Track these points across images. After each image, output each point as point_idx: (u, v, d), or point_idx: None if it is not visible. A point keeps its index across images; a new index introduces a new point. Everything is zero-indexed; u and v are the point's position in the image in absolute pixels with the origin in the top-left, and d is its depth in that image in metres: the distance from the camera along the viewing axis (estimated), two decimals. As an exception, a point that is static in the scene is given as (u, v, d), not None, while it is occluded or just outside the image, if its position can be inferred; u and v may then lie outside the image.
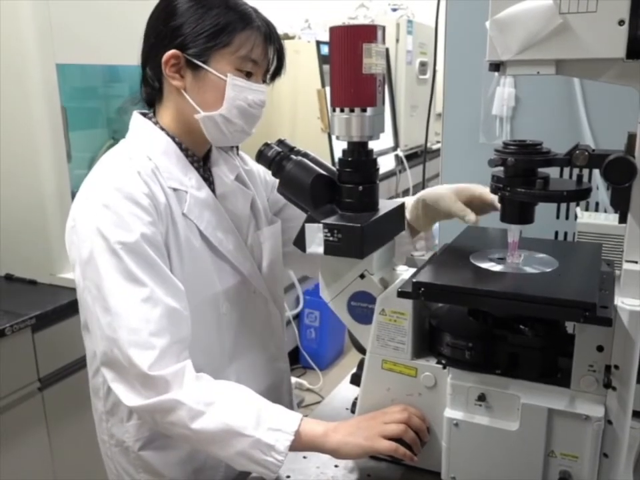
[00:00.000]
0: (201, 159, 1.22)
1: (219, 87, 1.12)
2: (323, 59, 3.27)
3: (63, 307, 1.83)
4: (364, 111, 1.00)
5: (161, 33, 1.13)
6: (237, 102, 1.13)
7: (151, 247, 1.04)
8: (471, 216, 1.17)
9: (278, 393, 1.36)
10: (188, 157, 1.19)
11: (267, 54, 1.16)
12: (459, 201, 1.20)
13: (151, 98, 1.20)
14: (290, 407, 1.40)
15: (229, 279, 1.21)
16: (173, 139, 1.18)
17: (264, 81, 1.19)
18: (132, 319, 1.01)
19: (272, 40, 1.16)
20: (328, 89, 1.05)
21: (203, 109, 1.13)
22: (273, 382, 1.33)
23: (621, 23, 0.81)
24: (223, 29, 1.10)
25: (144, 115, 1.20)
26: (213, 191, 1.22)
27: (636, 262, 0.90)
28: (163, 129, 1.18)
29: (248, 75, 1.14)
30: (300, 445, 1.02)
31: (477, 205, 1.20)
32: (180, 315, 1.06)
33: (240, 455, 1.00)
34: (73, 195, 1.98)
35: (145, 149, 1.14)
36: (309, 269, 1.38)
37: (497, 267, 1.02)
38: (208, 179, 1.23)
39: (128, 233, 1.03)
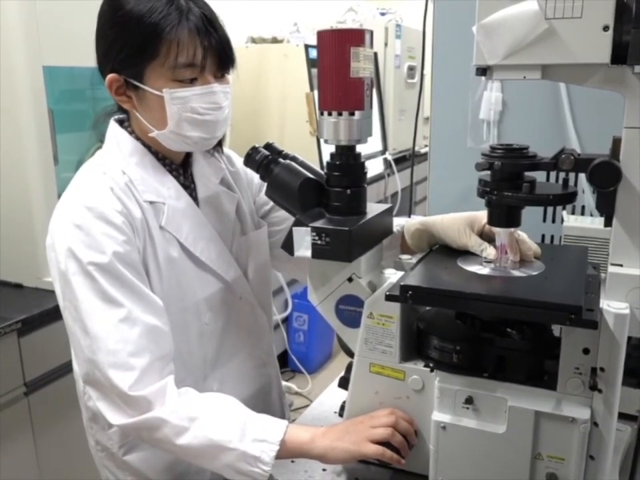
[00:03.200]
0: (179, 166, 1.19)
1: (160, 104, 1.07)
2: (311, 63, 3.28)
3: (49, 310, 1.81)
4: (352, 114, 1.01)
5: (99, 58, 1.11)
6: (184, 115, 1.07)
7: (125, 266, 1.03)
8: (490, 250, 1.05)
9: (267, 398, 1.35)
10: (166, 166, 1.16)
11: (201, 48, 1.05)
12: (474, 234, 1.10)
13: (122, 110, 1.17)
14: (281, 411, 1.40)
15: (212, 287, 1.19)
16: (149, 148, 1.15)
17: (221, 76, 1.11)
18: (110, 341, 1.00)
19: (202, 30, 1.05)
20: (316, 92, 1.04)
21: (154, 127, 1.10)
22: (261, 387, 1.32)
23: (606, 28, 0.82)
24: (144, 41, 1.03)
25: (121, 122, 1.17)
26: (196, 197, 1.20)
27: (621, 265, 0.91)
28: (138, 138, 1.15)
29: (192, 81, 1.07)
30: (287, 452, 1.01)
31: (488, 235, 1.10)
32: (160, 332, 1.05)
33: (227, 467, 1.00)
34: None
35: (120, 162, 1.12)
36: (297, 272, 1.36)
37: (484, 270, 1.02)
38: (189, 186, 1.20)
39: (100, 254, 1.01)
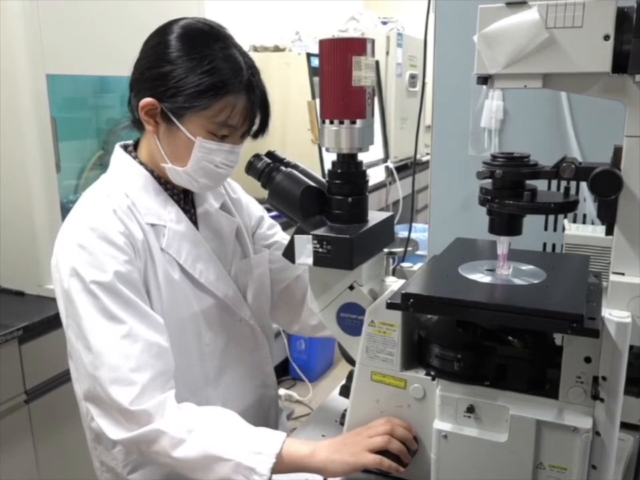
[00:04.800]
0: (181, 192, 1.21)
1: (187, 145, 1.10)
2: (313, 71, 3.29)
3: (50, 318, 1.81)
4: (353, 123, 1.01)
5: (144, 73, 1.11)
6: (203, 163, 1.11)
7: (126, 285, 1.05)
8: None
9: (265, 420, 1.36)
10: (167, 190, 1.19)
11: (248, 119, 1.12)
12: None
13: (137, 125, 1.18)
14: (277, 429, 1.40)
15: (212, 309, 1.21)
16: (152, 172, 1.18)
17: (244, 136, 1.16)
18: (112, 357, 1.02)
19: (257, 105, 1.12)
20: (318, 100, 1.06)
21: (171, 160, 1.13)
22: (260, 407, 1.34)
23: (607, 38, 0.82)
24: (204, 92, 1.06)
25: (125, 147, 1.20)
26: (196, 221, 1.23)
27: (623, 273, 0.91)
28: (142, 163, 1.18)
29: (223, 137, 1.11)
30: (284, 466, 1.01)
31: None
32: (161, 349, 1.06)
33: None
34: (62, 206, 1.97)
35: (123, 185, 1.14)
36: (289, 319, 1.41)
37: (485, 279, 1.02)
38: (189, 210, 1.23)
39: (102, 273, 1.04)
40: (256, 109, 1.13)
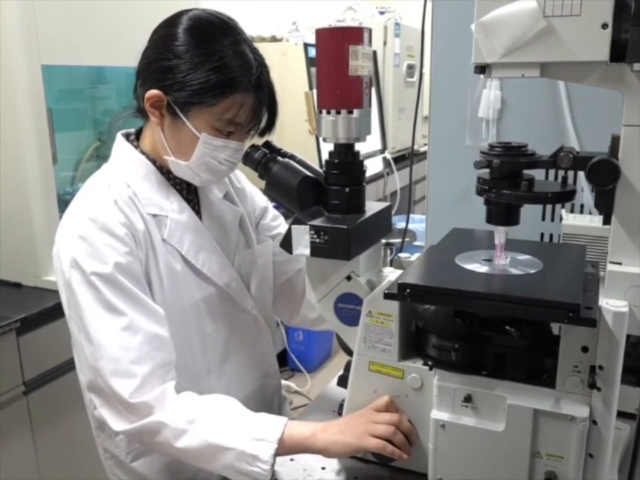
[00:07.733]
0: (184, 181, 1.20)
1: (192, 140, 1.09)
2: (310, 61, 3.27)
3: (48, 310, 1.81)
4: (350, 112, 1.00)
5: (152, 64, 1.09)
6: (207, 159, 1.11)
7: (126, 277, 1.05)
8: None
9: (268, 409, 1.36)
10: (169, 180, 1.18)
11: (255, 117, 1.12)
12: None
13: (141, 113, 1.17)
14: None
15: (214, 300, 1.21)
16: (154, 162, 1.17)
17: (249, 133, 1.15)
18: (112, 349, 1.02)
19: (265, 104, 1.12)
20: (315, 91, 1.05)
21: (174, 154, 1.12)
22: (263, 397, 1.34)
23: (605, 26, 0.82)
24: (211, 89, 1.04)
25: (127, 136, 1.19)
26: (199, 211, 1.22)
27: (620, 263, 0.91)
28: (143, 153, 1.17)
29: (228, 133, 1.11)
30: (287, 449, 1.02)
31: None
32: (162, 340, 1.06)
33: (227, 468, 1.01)
34: (59, 198, 1.97)
35: (125, 175, 1.14)
36: (289, 311, 1.41)
37: (482, 269, 1.02)
38: (192, 199, 1.22)
39: (103, 264, 1.03)
40: (264, 108, 1.12)
